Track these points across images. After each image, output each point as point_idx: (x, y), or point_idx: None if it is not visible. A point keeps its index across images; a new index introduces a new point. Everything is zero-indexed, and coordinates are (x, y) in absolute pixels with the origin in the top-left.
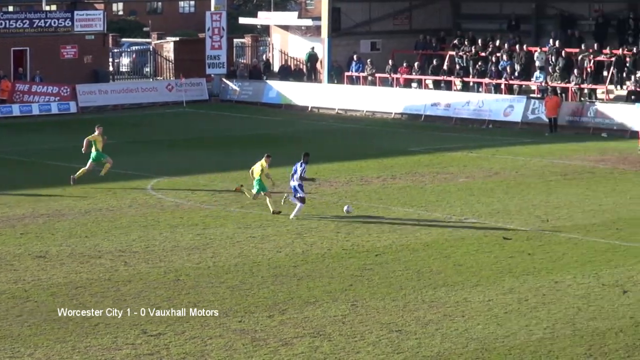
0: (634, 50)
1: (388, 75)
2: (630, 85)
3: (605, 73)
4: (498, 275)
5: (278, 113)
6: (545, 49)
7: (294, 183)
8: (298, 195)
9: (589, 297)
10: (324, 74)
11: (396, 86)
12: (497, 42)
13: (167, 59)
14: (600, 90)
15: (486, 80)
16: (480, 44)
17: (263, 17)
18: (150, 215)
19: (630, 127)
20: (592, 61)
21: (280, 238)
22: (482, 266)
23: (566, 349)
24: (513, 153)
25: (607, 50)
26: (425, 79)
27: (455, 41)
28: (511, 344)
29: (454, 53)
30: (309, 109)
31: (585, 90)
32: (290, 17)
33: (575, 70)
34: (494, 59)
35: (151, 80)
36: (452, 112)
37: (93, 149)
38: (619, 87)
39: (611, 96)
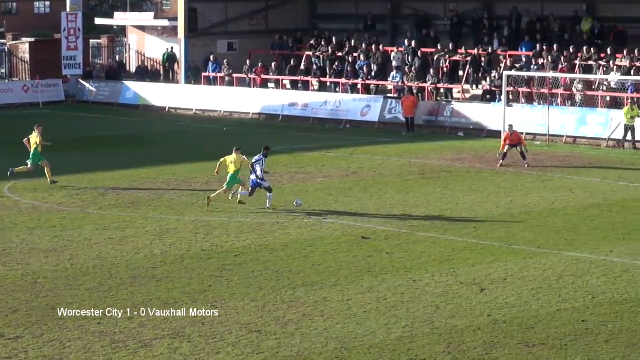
0: (489, 50)
1: (245, 76)
2: (485, 84)
3: (461, 73)
4: (357, 275)
5: (135, 114)
6: (402, 48)
7: (254, 177)
8: (264, 186)
9: (447, 296)
10: (181, 74)
11: (254, 86)
12: (354, 42)
13: (22, 59)
14: (456, 89)
15: (343, 80)
16: (336, 44)
17: (119, 18)
18: (7, 218)
19: (486, 126)
20: (447, 61)
21: (138, 239)
22: (341, 266)
23: (425, 347)
24: (371, 153)
25: (463, 50)
26: (282, 79)
27: (312, 41)
28: (370, 343)
29: (310, 53)
30: (167, 109)
31: (442, 90)
32: (146, 18)
33: (432, 70)
34: (350, 59)
35: (6, 81)
36: (310, 112)
37: (31, 149)
38: (474, 86)
39: (467, 96)
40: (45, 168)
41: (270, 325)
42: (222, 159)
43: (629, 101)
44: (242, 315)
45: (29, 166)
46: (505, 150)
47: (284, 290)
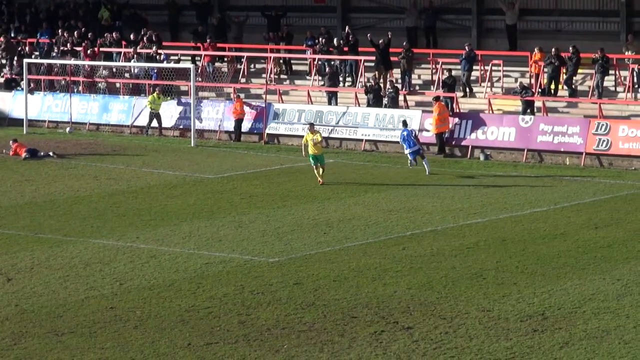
0: (9, 37)
1: None
2: (6, 72)
3: None
4: None
5: None
6: None
7: (410, 150)
8: (421, 152)
9: None
10: None
11: None
12: None
13: None
14: None
15: None
16: None
17: None
18: None
19: (8, 114)
20: None
21: None
22: None
23: None
24: None
25: None
26: None
27: None
28: None
29: None
30: None
31: None
32: None
33: None
34: None
35: None
36: None
37: None
38: None
39: None
40: None
41: None
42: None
43: (157, 89)
44: None
45: None
46: None
47: None
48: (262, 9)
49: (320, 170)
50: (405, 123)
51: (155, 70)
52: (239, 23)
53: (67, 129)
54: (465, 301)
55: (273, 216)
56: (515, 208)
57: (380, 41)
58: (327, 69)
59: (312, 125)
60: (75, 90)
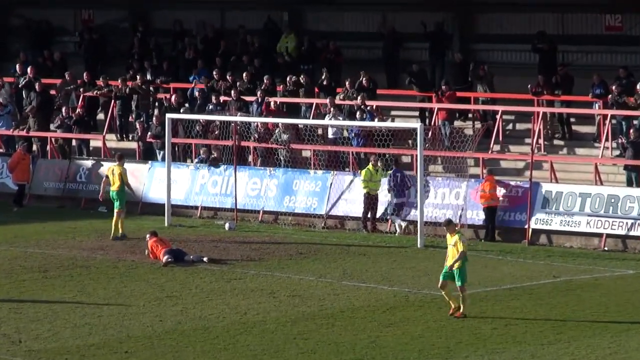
0: (144, 80)
1: None
2: (142, 133)
3: (101, 116)
4: None
5: None
6: (11, 79)
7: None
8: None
9: None
10: None
11: None
12: None
13: None
14: (95, 140)
15: None
16: None
17: None
18: None
19: (143, 196)
20: (81, 97)
21: None
22: None
23: None
24: None
25: (102, 82)
26: None
27: None
28: None
29: None
30: None
31: (74, 142)
32: None
33: (62, 112)
34: None
35: None
36: None
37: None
38: (122, 136)
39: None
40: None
41: None
42: None
43: (372, 158)
44: None
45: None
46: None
47: None
48: (531, 39)
49: (459, 296)
50: (397, 162)
51: (354, 133)
52: (489, 79)
53: (227, 225)
54: None
55: (541, 356)
56: None
57: None
58: (628, 131)
59: (449, 222)
60: (244, 161)
